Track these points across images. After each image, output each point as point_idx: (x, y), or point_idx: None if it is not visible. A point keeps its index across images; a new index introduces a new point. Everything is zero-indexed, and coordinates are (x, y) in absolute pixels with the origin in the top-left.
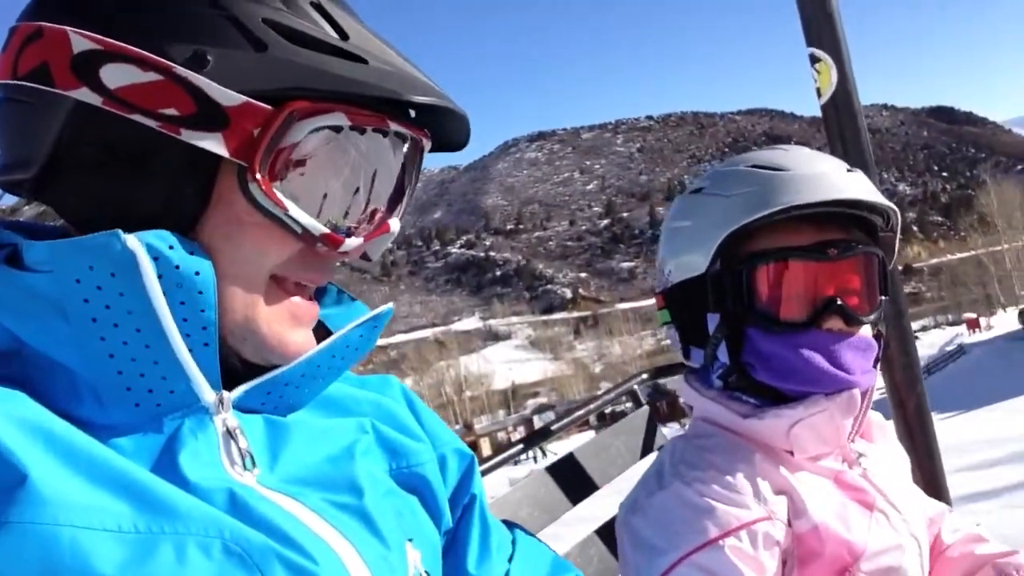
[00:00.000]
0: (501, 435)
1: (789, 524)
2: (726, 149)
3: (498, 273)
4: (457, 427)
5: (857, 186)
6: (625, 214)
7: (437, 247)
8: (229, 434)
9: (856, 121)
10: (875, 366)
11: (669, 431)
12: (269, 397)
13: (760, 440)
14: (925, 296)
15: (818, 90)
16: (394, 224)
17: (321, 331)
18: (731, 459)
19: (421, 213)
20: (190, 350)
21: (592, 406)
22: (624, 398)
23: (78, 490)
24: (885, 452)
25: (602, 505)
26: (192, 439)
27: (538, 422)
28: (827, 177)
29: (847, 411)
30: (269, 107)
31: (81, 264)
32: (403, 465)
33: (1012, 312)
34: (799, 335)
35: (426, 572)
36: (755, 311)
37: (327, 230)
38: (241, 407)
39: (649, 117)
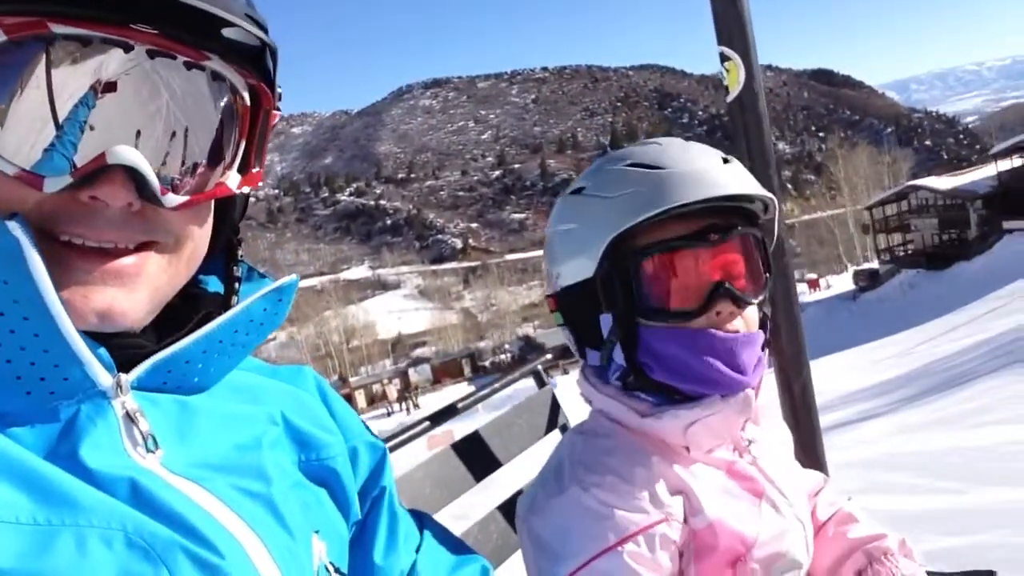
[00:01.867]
0: (376, 387)
1: (685, 521)
2: (618, 103)
3: (388, 222)
4: (333, 379)
5: (736, 180)
6: (517, 165)
7: (326, 194)
8: (129, 417)
9: (761, 122)
10: (763, 350)
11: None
12: (171, 376)
13: (657, 437)
14: (797, 252)
15: (726, 88)
16: (125, 154)
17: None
18: (629, 463)
19: (310, 158)
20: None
21: (497, 385)
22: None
23: None
24: (771, 433)
25: (504, 482)
26: (91, 425)
27: (413, 375)
28: (706, 173)
29: (742, 411)
30: None
31: None
32: (312, 458)
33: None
34: (692, 333)
35: (331, 564)
36: (647, 307)
37: (19, 168)
38: (143, 387)
39: (544, 68)
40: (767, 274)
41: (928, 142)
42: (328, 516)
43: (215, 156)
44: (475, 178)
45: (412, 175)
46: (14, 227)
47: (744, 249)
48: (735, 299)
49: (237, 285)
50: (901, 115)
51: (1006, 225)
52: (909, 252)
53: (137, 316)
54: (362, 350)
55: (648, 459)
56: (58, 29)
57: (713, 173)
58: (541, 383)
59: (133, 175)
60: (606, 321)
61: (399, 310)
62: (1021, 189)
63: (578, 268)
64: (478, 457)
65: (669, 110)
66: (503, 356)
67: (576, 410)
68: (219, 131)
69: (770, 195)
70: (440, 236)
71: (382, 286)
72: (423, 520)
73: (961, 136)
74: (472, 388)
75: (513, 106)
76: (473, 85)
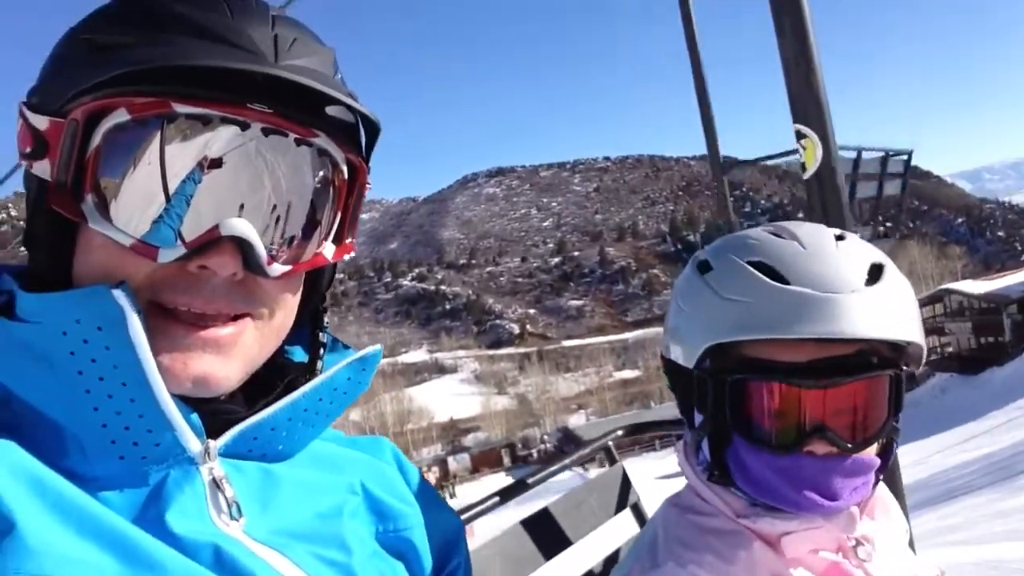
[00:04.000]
0: None
1: None
2: (680, 192)
3: (448, 307)
4: None
5: (868, 315)
6: (576, 253)
7: (389, 279)
8: (215, 484)
9: (839, 196)
10: (878, 480)
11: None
12: (256, 443)
13: (753, 531)
14: None
15: (803, 165)
16: (238, 226)
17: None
18: (730, 544)
19: (376, 243)
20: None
21: (567, 460)
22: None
23: (65, 542)
24: (885, 529)
25: (576, 560)
26: (178, 491)
27: (452, 463)
28: (832, 304)
29: (846, 528)
30: (62, 120)
31: (68, 317)
32: (390, 529)
33: None
34: (782, 458)
35: None
36: (736, 422)
37: (134, 238)
38: (229, 454)
39: (606, 158)
40: (892, 419)
41: (1001, 233)
42: None
43: (313, 228)
44: (534, 264)
45: (473, 261)
46: (119, 296)
47: (865, 391)
48: (836, 444)
49: (322, 352)
50: (972, 205)
51: None
52: (944, 355)
53: (230, 384)
54: (411, 434)
55: (750, 543)
56: (180, 109)
57: (844, 304)
58: (612, 460)
59: (241, 246)
60: (698, 415)
61: (455, 394)
62: None
63: (679, 354)
64: (548, 534)
65: (731, 199)
66: (543, 447)
67: (646, 490)
68: (319, 204)
69: (910, 339)
70: (498, 321)
71: (439, 370)
72: None
73: None
74: (510, 479)
75: (575, 194)
76: (536, 174)
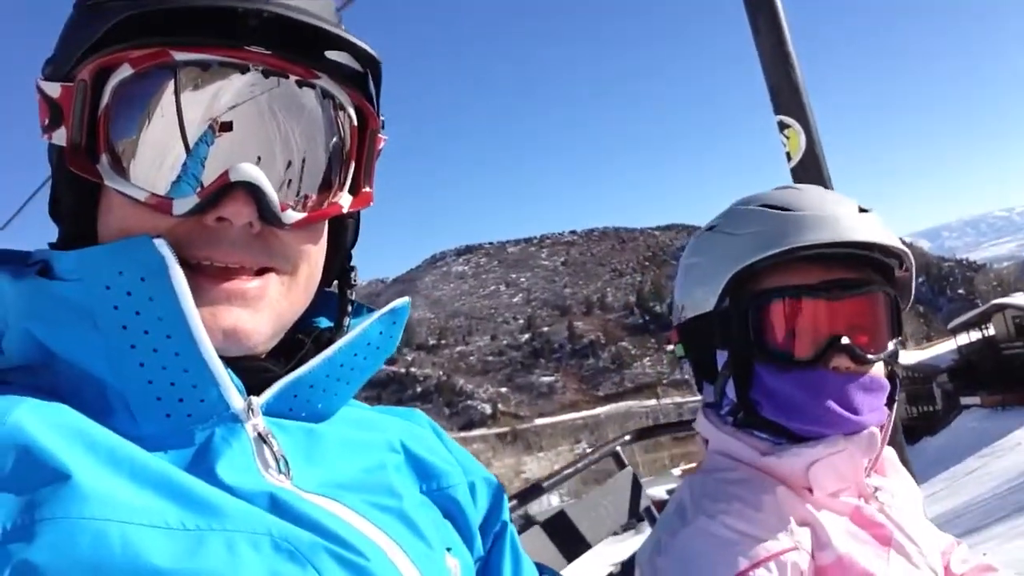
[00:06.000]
0: None
1: (812, 556)
2: (646, 263)
3: (419, 389)
4: None
5: (870, 229)
6: (546, 328)
7: None
8: (262, 439)
9: (825, 181)
10: (889, 405)
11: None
12: (296, 401)
13: (778, 476)
14: None
15: (788, 154)
16: (247, 171)
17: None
18: (755, 491)
19: None
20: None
21: (580, 465)
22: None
23: (122, 489)
24: (898, 485)
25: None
26: (225, 447)
27: None
28: (839, 218)
29: (867, 450)
30: (71, 84)
31: (111, 270)
32: (434, 487)
33: None
34: (807, 373)
35: None
36: (762, 348)
37: (149, 192)
38: (270, 413)
39: (572, 231)
40: (896, 337)
41: (961, 290)
42: (457, 541)
43: (327, 176)
44: (504, 342)
45: (443, 341)
46: (160, 244)
47: (872, 306)
48: (854, 355)
49: (350, 308)
50: (931, 264)
51: (963, 401)
52: None
53: (261, 338)
54: None
55: (775, 488)
56: (179, 56)
57: (846, 219)
58: (621, 465)
59: (255, 193)
60: (721, 356)
61: None
62: (979, 363)
63: (700, 301)
64: (568, 537)
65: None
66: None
67: None
68: (330, 151)
69: (904, 248)
70: (470, 402)
71: None
72: (544, 573)
73: (995, 284)
74: None
75: (543, 269)
76: (503, 250)
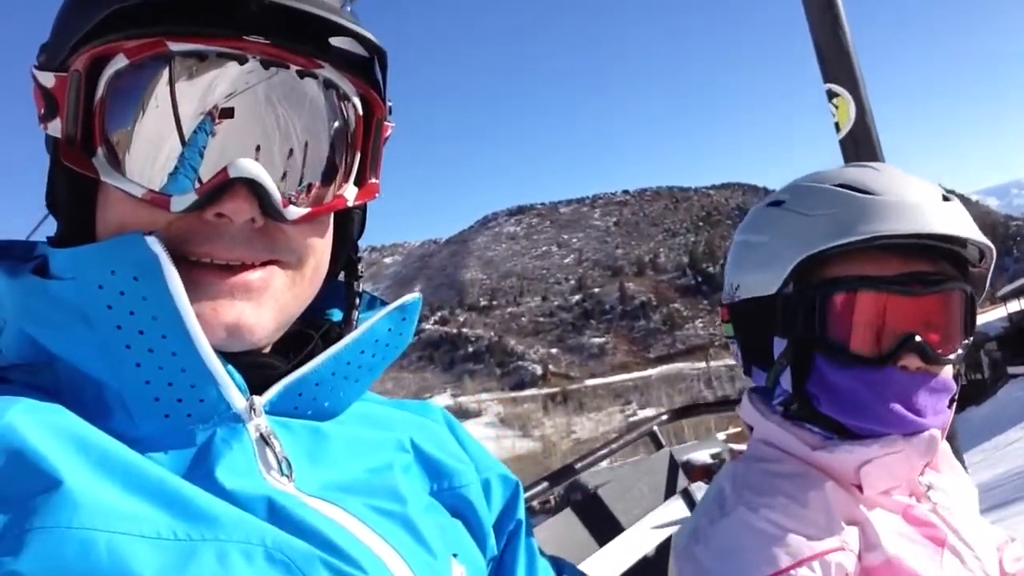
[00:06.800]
0: None
1: (859, 557)
2: (700, 223)
3: (470, 349)
4: None
5: (954, 220)
6: (597, 289)
7: None
8: (263, 440)
9: (876, 153)
10: (950, 406)
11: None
12: (301, 400)
13: (827, 471)
14: None
15: (836, 125)
16: (247, 167)
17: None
18: (803, 486)
19: (400, 287)
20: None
21: (615, 446)
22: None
23: (113, 497)
24: (953, 483)
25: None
26: (226, 448)
27: None
28: (920, 208)
29: (925, 453)
30: (65, 74)
31: (103, 269)
32: (445, 486)
33: None
34: (873, 370)
35: None
36: (826, 340)
37: (146, 188)
38: (275, 412)
39: (625, 191)
40: (969, 337)
41: None
42: (466, 544)
43: (331, 168)
44: (555, 303)
45: (494, 302)
46: (152, 242)
47: (948, 304)
48: (926, 356)
49: (358, 301)
50: (998, 223)
51: (1010, 370)
52: None
53: (264, 332)
54: None
55: (823, 484)
56: (175, 47)
57: (928, 208)
58: (659, 445)
59: (255, 189)
60: (779, 343)
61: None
62: None
63: (760, 283)
64: (600, 520)
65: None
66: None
67: None
68: (333, 142)
69: (988, 243)
70: (521, 362)
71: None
72: (562, 568)
73: None
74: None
75: (595, 229)
76: (556, 210)
